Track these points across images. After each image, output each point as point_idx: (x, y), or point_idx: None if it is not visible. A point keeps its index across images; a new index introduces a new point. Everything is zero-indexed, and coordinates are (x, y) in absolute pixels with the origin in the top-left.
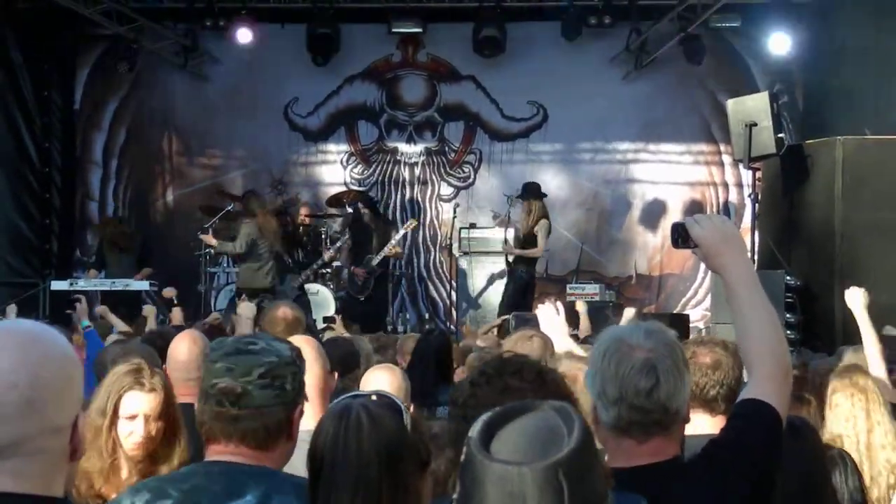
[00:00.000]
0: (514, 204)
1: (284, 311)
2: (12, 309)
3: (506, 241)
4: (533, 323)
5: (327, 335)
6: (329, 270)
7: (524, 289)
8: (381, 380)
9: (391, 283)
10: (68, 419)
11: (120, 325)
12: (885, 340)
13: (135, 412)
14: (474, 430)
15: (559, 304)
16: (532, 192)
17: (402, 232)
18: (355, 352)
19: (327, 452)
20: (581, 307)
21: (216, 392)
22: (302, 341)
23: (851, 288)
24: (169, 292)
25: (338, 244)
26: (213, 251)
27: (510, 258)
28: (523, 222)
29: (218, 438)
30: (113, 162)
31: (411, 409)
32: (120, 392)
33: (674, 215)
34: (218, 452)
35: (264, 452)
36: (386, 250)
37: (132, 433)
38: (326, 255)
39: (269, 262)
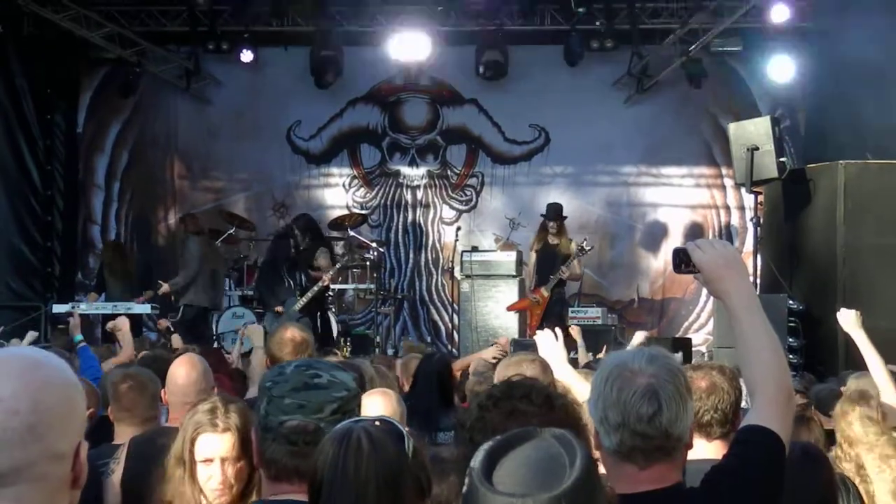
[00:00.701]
0: (517, 227)
1: (293, 332)
2: (31, 335)
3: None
4: (532, 349)
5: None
6: (331, 294)
7: (565, 308)
8: (377, 404)
9: (327, 311)
10: (71, 446)
11: (128, 346)
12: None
13: (210, 456)
14: (476, 460)
15: (558, 329)
16: (561, 213)
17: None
18: (360, 376)
19: (326, 474)
20: (577, 334)
21: (287, 430)
22: None
23: (842, 310)
24: (163, 322)
25: (337, 266)
26: (173, 295)
27: (552, 286)
28: (564, 244)
29: (290, 478)
30: (115, 185)
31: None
32: (193, 435)
33: (676, 239)
34: (289, 492)
35: None
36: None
37: (210, 478)
38: (326, 278)
39: (211, 280)
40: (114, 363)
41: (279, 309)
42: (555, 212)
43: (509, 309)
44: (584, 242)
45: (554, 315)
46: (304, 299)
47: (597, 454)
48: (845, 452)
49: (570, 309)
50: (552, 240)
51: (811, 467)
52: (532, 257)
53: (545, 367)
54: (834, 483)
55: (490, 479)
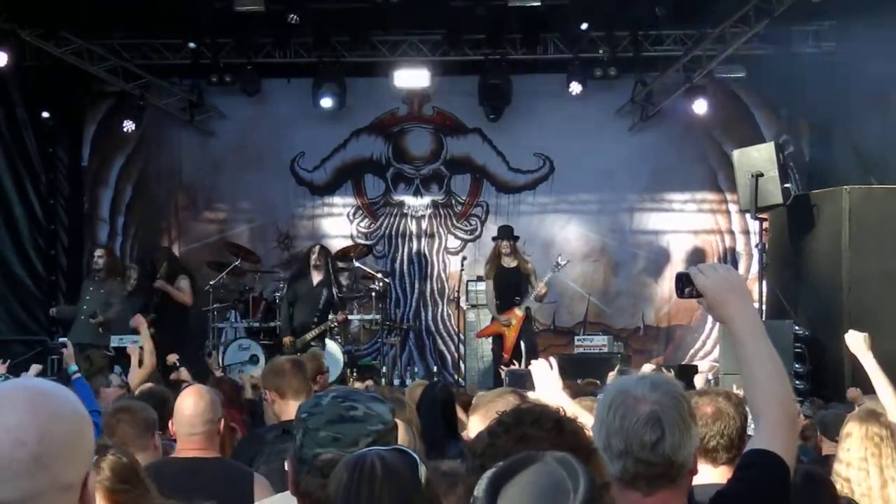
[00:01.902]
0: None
1: (285, 357)
2: (35, 369)
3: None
4: (527, 379)
5: None
6: (337, 325)
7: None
8: None
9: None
10: (78, 477)
11: (148, 353)
12: None
13: None
14: (479, 490)
15: (552, 359)
16: (513, 234)
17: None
18: None
19: (339, 499)
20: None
21: (321, 464)
22: None
23: (850, 332)
24: (171, 358)
25: (346, 310)
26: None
27: (520, 302)
28: (521, 264)
29: None
30: (119, 218)
31: None
32: None
33: (680, 265)
34: None
35: None
36: (315, 330)
37: None
38: (331, 320)
39: None
40: (139, 377)
41: (287, 340)
42: (507, 232)
43: (479, 335)
44: (559, 258)
45: (529, 335)
46: (313, 332)
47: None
48: (856, 471)
49: (577, 337)
50: (508, 262)
51: (814, 491)
52: (489, 285)
53: (520, 398)
54: None
55: None
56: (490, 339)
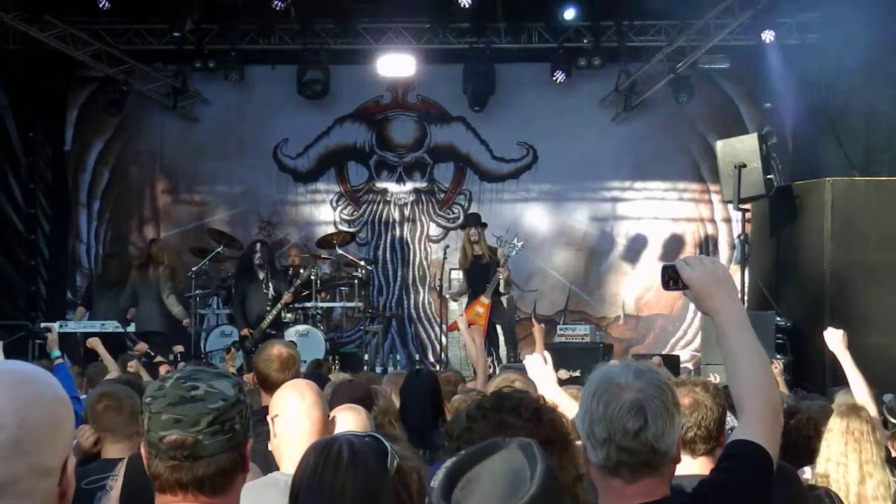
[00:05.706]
0: (504, 244)
1: (279, 349)
2: None
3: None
4: (520, 373)
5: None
6: (320, 312)
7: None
8: (346, 420)
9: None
10: (58, 461)
11: (108, 361)
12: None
13: None
14: (436, 480)
15: (547, 353)
16: (480, 221)
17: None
18: (370, 393)
19: (305, 482)
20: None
21: (166, 446)
22: (303, 385)
23: (828, 329)
24: (142, 347)
25: (298, 282)
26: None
27: (492, 290)
28: (487, 251)
29: (174, 490)
30: (95, 203)
31: None
32: None
33: (663, 256)
34: (172, 502)
35: (222, 495)
36: (269, 318)
37: None
38: (286, 297)
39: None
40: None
41: (245, 332)
42: (475, 219)
43: (449, 329)
44: (515, 239)
45: (505, 321)
46: (270, 317)
47: (586, 469)
48: (835, 465)
49: (559, 326)
50: (476, 250)
51: (783, 484)
52: (462, 274)
53: (529, 386)
54: (805, 499)
55: (449, 499)
56: None
